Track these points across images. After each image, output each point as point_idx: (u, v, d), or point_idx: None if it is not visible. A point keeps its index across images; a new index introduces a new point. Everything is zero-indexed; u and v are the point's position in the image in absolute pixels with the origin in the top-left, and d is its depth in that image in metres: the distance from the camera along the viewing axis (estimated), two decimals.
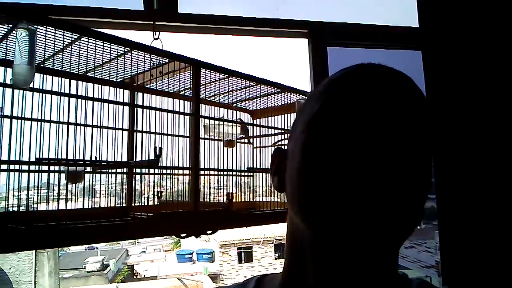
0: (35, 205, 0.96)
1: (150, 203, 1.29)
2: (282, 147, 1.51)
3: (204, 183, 1.33)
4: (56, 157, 0.96)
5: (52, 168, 1.05)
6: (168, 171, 1.24)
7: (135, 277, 17.49)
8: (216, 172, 1.35)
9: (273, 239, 16.57)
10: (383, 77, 0.45)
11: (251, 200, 1.52)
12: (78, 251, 17.36)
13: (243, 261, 16.82)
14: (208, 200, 1.37)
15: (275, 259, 16.87)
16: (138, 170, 1.25)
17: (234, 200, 1.30)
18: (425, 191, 0.44)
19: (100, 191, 1.19)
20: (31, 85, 0.88)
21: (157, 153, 1.03)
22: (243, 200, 1.52)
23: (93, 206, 1.15)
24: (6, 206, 0.92)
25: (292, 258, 0.52)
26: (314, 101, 0.48)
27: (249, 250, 16.91)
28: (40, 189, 1.01)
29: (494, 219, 1.45)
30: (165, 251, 20.89)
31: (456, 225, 1.46)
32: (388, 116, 0.42)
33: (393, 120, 0.42)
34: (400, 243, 0.45)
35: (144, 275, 17.13)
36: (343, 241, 0.42)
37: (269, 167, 0.58)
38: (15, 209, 0.97)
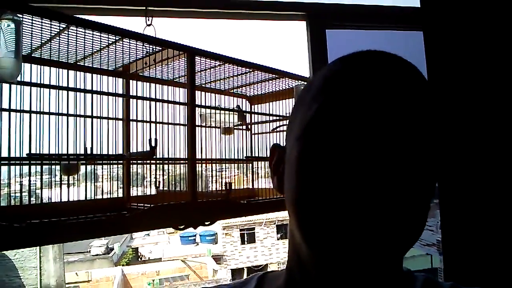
0: (27, 199, 0.94)
1: (148, 192, 1.28)
2: (282, 132, 1.50)
3: (203, 171, 1.32)
4: (49, 151, 0.94)
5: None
6: (165, 161, 1.22)
7: (139, 259, 17.75)
8: (214, 161, 1.33)
9: (275, 220, 16.74)
10: (380, 71, 0.41)
11: (251, 186, 1.51)
12: None
13: (245, 242, 17.03)
14: (208, 188, 1.35)
15: (277, 239, 17.08)
16: (134, 161, 1.23)
17: (233, 188, 1.28)
18: (429, 200, 0.41)
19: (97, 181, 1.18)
20: (18, 78, 0.85)
21: (152, 144, 1.01)
22: (243, 186, 1.51)
23: (90, 198, 1.14)
24: None
25: (294, 257, 0.50)
26: (309, 103, 0.44)
27: (252, 231, 17.09)
28: (36, 182, 1.00)
29: (496, 205, 1.43)
30: (169, 233, 21.12)
31: (457, 210, 1.45)
32: (391, 120, 0.38)
33: (397, 125, 0.38)
34: (404, 253, 0.43)
35: (149, 258, 17.40)
36: (345, 259, 0.40)
37: (268, 163, 0.56)
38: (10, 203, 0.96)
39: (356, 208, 0.37)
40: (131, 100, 1.23)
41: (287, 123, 0.53)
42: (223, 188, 1.19)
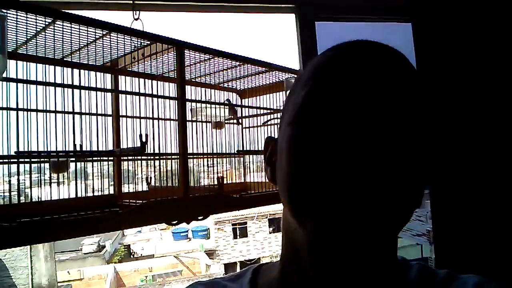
0: (16, 198, 0.93)
1: (139, 188, 1.26)
2: (273, 125, 1.50)
3: (194, 166, 1.31)
4: (38, 149, 0.92)
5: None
6: (156, 157, 1.21)
7: (132, 256, 17.68)
8: (205, 156, 1.32)
9: (267, 213, 16.80)
10: (372, 58, 0.41)
11: (243, 180, 1.51)
12: None
13: (238, 237, 17.07)
14: (200, 183, 1.35)
15: (270, 233, 17.15)
16: (125, 157, 1.22)
17: (225, 182, 1.28)
18: (423, 174, 0.42)
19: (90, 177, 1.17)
20: (4, 75, 0.83)
21: (143, 140, 1.00)
22: (234, 180, 1.51)
23: (80, 196, 1.12)
24: None
25: (288, 250, 0.51)
26: (300, 89, 0.44)
27: (244, 226, 17.13)
28: (25, 180, 0.98)
29: (485, 194, 1.45)
30: (161, 229, 21.04)
31: (448, 200, 1.46)
32: (380, 102, 0.38)
33: (385, 105, 0.38)
34: (397, 231, 0.43)
35: (141, 255, 17.32)
36: (338, 239, 0.40)
37: (262, 155, 0.56)
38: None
39: (346, 187, 0.38)
40: (120, 95, 1.22)
41: (280, 115, 0.53)
42: (216, 183, 1.18)
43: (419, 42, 1.51)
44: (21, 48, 0.98)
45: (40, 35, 0.93)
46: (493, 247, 1.41)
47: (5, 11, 0.80)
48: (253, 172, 1.53)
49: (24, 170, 0.98)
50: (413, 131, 0.40)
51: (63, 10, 0.94)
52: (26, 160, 0.98)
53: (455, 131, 1.48)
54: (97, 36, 1.01)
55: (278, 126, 0.53)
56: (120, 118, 1.23)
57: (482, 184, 1.46)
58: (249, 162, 1.50)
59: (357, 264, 0.44)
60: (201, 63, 1.28)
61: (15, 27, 0.87)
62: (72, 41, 0.97)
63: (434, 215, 1.51)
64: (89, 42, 1.03)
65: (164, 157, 1.14)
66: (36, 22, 0.87)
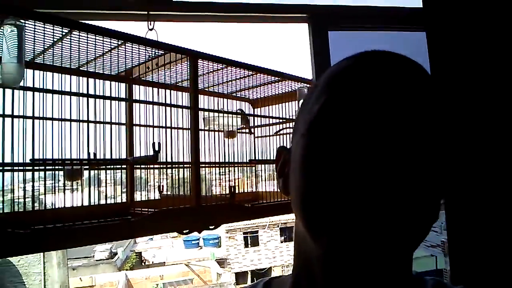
0: (31, 205, 0.94)
1: (151, 196, 1.27)
2: (285, 135, 1.50)
3: (206, 175, 1.31)
4: (52, 156, 0.94)
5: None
6: (168, 165, 1.21)
7: (143, 264, 17.73)
8: (217, 165, 1.32)
9: (278, 222, 16.70)
10: (388, 69, 0.40)
11: (255, 189, 1.50)
12: None
13: (249, 245, 16.99)
14: (211, 192, 1.35)
15: (281, 242, 17.04)
16: (138, 165, 1.22)
17: (237, 191, 1.28)
18: (439, 190, 0.40)
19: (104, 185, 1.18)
20: (21, 83, 0.84)
21: (156, 148, 1.00)
22: (246, 189, 1.50)
23: (93, 203, 1.13)
24: (2, 207, 0.90)
25: (300, 263, 0.50)
26: (314, 99, 0.43)
27: (255, 235, 17.06)
28: (39, 187, 0.99)
29: (503, 204, 1.42)
30: (172, 237, 21.07)
31: (463, 211, 1.43)
32: (396, 114, 0.37)
33: (402, 118, 0.37)
34: (414, 248, 0.42)
35: (152, 262, 17.36)
36: (353, 254, 0.39)
37: (274, 166, 0.55)
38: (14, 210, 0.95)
39: (362, 201, 0.37)
40: (134, 104, 1.23)
41: (293, 125, 0.53)
42: (227, 192, 1.18)
43: (434, 51, 1.49)
44: (38, 58, 1.00)
45: (56, 45, 0.95)
46: (510, 259, 1.38)
47: (23, 21, 0.82)
48: (265, 181, 1.53)
49: (39, 177, 0.99)
50: (431, 145, 0.38)
51: (79, 21, 0.95)
52: (41, 168, 0.99)
53: (471, 141, 1.46)
54: (112, 46, 1.02)
55: (291, 136, 0.52)
56: (134, 127, 1.24)
57: (500, 194, 1.43)
58: (261, 171, 1.49)
59: (370, 280, 0.43)
60: (214, 72, 1.28)
61: (32, 37, 0.89)
62: (88, 51, 0.99)
63: (449, 226, 1.48)
64: (104, 52, 1.04)
65: (177, 165, 1.14)
66: (53, 32, 0.89)
